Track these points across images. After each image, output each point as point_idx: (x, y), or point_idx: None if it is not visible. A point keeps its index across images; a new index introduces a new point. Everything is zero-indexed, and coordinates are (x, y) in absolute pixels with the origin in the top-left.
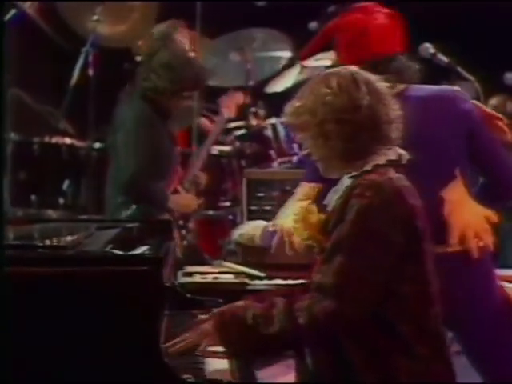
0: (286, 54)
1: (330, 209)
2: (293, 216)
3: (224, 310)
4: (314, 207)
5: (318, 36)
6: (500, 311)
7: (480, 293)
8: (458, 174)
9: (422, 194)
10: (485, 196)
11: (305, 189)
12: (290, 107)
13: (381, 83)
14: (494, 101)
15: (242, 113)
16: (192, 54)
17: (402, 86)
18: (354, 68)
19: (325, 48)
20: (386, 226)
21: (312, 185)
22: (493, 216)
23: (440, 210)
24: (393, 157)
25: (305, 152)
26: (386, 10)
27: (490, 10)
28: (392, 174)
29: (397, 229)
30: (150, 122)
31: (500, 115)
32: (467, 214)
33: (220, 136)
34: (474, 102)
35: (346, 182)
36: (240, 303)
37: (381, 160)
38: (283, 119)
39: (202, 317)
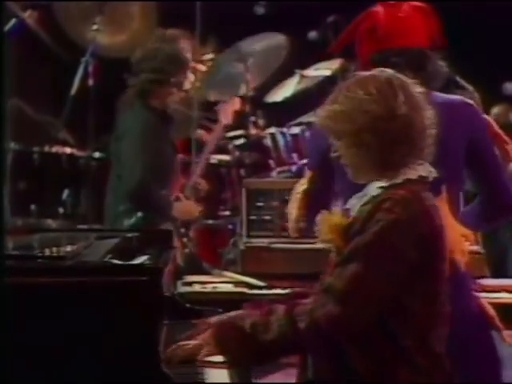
0: (284, 56)
1: (352, 214)
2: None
3: (222, 319)
4: (338, 210)
5: (348, 29)
6: (472, 328)
7: (450, 307)
8: (444, 191)
9: None
10: (479, 214)
11: (308, 176)
12: (325, 110)
13: (415, 88)
14: (496, 110)
15: (241, 122)
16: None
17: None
18: (389, 71)
19: (324, 57)
20: (408, 243)
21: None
22: (470, 236)
23: None
24: (423, 173)
25: (335, 154)
26: (416, 4)
27: (490, 19)
28: (422, 191)
29: (417, 247)
30: (155, 130)
31: (508, 139)
32: None
33: (219, 143)
34: (488, 118)
35: (373, 190)
36: (238, 312)
37: (412, 174)
38: (317, 121)
39: (200, 323)
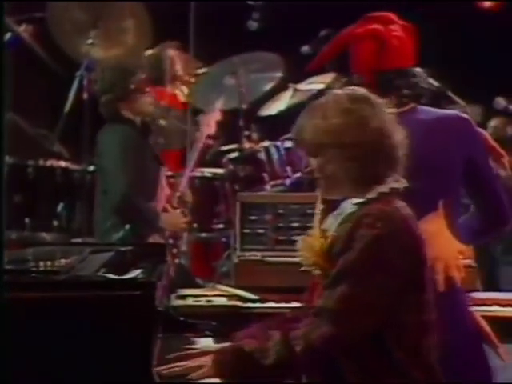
0: (279, 78)
1: (330, 234)
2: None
3: (223, 346)
4: (316, 233)
5: (331, 44)
6: (468, 342)
7: (445, 323)
8: (441, 205)
9: None
10: (473, 227)
11: None
12: (310, 125)
13: (387, 107)
14: (493, 123)
15: (235, 135)
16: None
17: (410, 105)
18: (364, 90)
19: (318, 71)
20: (394, 256)
21: None
22: (467, 252)
23: None
24: (395, 185)
25: (308, 169)
26: (400, 22)
27: (481, 34)
28: (398, 203)
29: (404, 259)
30: (133, 143)
31: (503, 152)
32: (440, 247)
33: (205, 154)
34: (482, 131)
35: (349, 208)
36: (239, 339)
37: (385, 188)
38: (302, 136)
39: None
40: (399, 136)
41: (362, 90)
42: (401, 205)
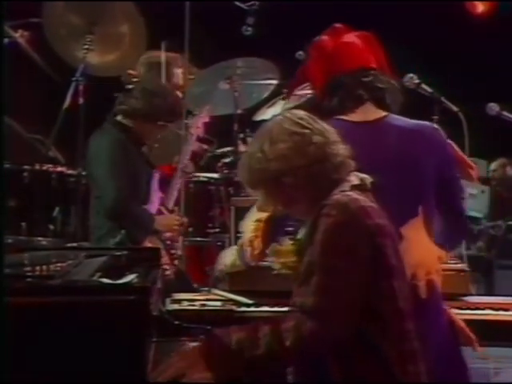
0: (274, 83)
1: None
2: (251, 227)
3: (209, 336)
4: (287, 239)
5: (301, 68)
6: (446, 344)
7: (426, 326)
8: (421, 211)
9: None
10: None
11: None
12: (268, 153)
13: (324, 124)
14: (493, 165)
15: (230, 139)
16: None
17: (382, 113)
18: (301, 112)
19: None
20: (353, 240)
21: None
22: (445, 258)
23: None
24: (356, 182)
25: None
26: (355, 32)
27: (474, 42)
28: (357, 195)
29: (363, 243)
30: (124, 147)
31: (473, 164)
32: (421, 253)
33: (200, 159)
34: (451, 142)
35: None
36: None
37: (345, 187)
38: (258, 167)
39: (189, 344)
40: (340, 145)
41: (298, 114)
42: (361, 197)
